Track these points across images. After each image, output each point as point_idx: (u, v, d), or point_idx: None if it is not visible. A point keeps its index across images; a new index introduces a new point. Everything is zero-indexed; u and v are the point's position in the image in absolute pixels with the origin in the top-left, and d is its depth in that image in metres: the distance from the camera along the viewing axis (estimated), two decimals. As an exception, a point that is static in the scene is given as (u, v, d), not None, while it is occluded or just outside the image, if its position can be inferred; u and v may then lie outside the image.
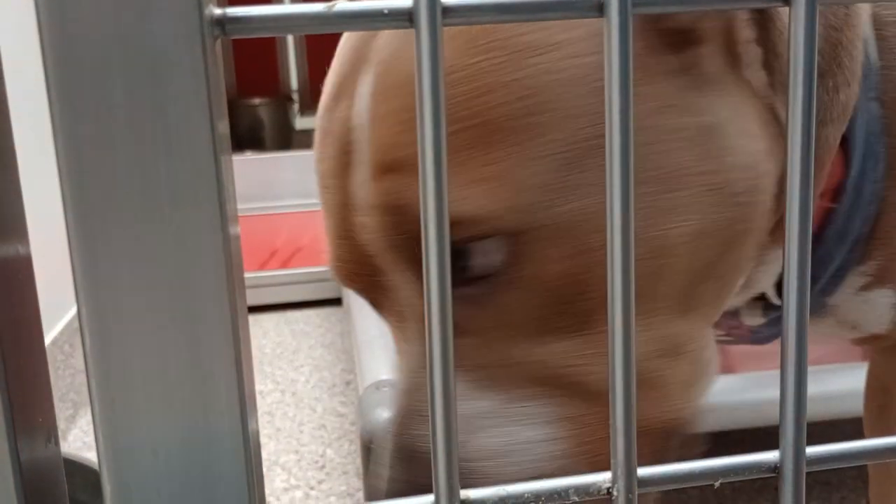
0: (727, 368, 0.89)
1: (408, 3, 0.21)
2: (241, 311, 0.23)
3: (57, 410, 1.30)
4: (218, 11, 0.21)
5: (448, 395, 0.23)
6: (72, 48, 0.20)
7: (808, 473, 0.25)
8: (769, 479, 0.25)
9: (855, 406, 0.78)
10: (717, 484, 0.24)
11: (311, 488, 1.10)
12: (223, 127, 0.22)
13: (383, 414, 0.73)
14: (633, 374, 0.23)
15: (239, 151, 2.43)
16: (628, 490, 0.24)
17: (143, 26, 0.20)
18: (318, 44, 3.65)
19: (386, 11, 0.21)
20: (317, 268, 1.78)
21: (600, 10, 0.22)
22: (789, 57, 0.23)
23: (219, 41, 0.21)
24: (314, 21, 0.21)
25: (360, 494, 1.05)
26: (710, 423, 0.75)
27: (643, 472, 0.24)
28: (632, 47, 0.22)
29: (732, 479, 0.25)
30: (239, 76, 3.34)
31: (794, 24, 0.23)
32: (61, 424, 1.26)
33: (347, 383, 1.42)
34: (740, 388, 0.77)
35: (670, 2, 0.24)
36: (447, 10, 0.21)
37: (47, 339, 1.27)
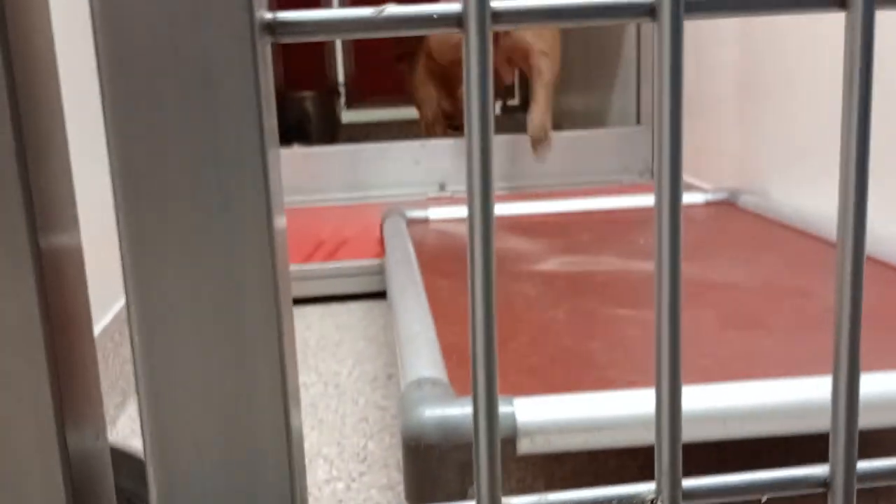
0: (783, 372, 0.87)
1: (457, 7, 0.21)
2: (285, 305, 0.23)
3: (106, 398, 1.32)
4: (269, 16, 0.21)
5: (492, 405, 0.23)
6: (125, 52, 0.20)
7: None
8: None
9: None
10: (763, 498, 0.24)
11: (353, 480, 1.11)
12: (271, 126, 0.22)
13: (425, 412, 0.73)
14: (679, 386, 0.23)
15: (286, 145, 2.45)
16: (673, 501, 0.24)
17: (194, 31, 0.20)
18: (365, 38, 3.66)
19: (436, 16, 0.21)
20: (361, 261, 1.79)
21: (652, 15, 0.22)
22: (845, 61, 0.23)
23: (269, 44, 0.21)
24: (364, 25, 0.21)
25: (401, 488, 1.05)
26: (761, 428, 0.73)
27: (688, 483, 0.24)
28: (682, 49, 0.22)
29: (780, 494, 0.24)
30: (286, 69, 3.37)
31: (850, 29, 0.23)
32: (110, 411, 1.29)
33: (389, 377, 1.43)
34: (794, 392, 0.75)
35: (722, 7, 0.23)
36: (496, 15, 0.21)
37: (98, 328, 1.30)
